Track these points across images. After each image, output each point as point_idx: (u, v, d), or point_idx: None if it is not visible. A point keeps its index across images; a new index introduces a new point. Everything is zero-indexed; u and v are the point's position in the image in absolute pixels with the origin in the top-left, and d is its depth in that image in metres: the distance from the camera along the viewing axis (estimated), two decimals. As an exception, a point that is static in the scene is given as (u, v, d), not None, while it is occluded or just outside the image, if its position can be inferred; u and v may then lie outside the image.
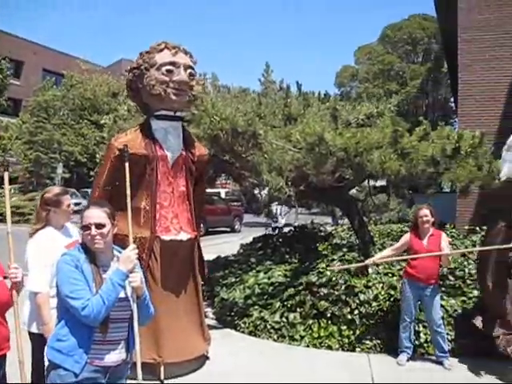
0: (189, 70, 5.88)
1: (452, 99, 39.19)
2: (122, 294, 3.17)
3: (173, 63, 5.75)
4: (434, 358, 6.42)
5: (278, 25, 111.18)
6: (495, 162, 6.98)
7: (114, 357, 3.20)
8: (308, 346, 6.85)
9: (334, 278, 7.25)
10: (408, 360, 6.35)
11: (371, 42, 55.77)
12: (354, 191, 10.26)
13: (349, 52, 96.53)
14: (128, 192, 3.72)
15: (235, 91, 9.46)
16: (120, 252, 3.33)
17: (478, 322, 6.28)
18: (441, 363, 6.26)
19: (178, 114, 6.03)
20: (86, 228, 3.19)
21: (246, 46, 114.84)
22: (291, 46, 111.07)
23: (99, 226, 3.19)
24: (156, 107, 5.91)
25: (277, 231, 11.58)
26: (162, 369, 5.56)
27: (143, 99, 6.05)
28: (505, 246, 5.92)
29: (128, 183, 3.75)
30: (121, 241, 3.57)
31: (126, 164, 3.85)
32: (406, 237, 6.63)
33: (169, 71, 5.72)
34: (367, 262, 6.69)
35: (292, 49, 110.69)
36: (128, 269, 3.18)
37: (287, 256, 8.87)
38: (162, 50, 5.82)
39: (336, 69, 60.21)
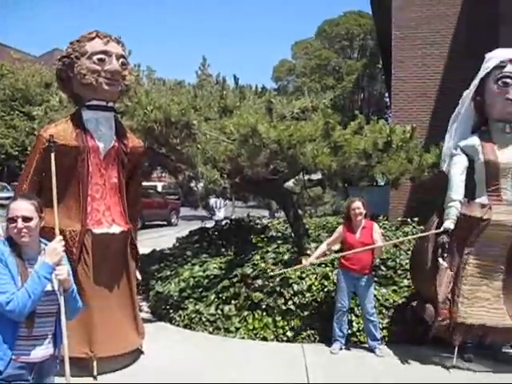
0: (121, 60, 5.74)
1: (386, 94, 40.07)
2: (48, 288, 3.10)
3: (104, 52, 5.61)
4: (366, 345, 6.58)
5: (218, 19, 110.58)
6: (425, 156, 7.20)
7: (41, 352, 3.12)
8: (243, 338, 6.88)
9: (268, 270, 7.30)
10: (341, 349, 6.49)
11: (309, 37, 56.45)
12: (291, 184, 10.35)
13: (286, 47, 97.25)
14: (54, 183, 3.63)
15: (171, 84, 9.39)
16: (47, 245, 3.25)
17: (415, 308, 6.50)
18: (373, 351, 6.41)
19: (111, 104, 5.90)
20: (12, 221, 3.10)
21: (184, 40, 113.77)
22: (230, 40, 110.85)
23: (26, 219, 3.10)
24: (87, 97, 5.75)
25: (214, 224, 11.54)
26: (94, 364, 5.44)
27: (74, 89, 5.88)
28: (429, 232, 6.12)
29: (54, 175, 3.65)
30: (48, 233, 3.47)
31: (52, 155, 3.75)
32: (339, 230, 6.73)
33: (100, 60, 5.58)
34: (305, 263, 6.77)
35: (230, 43, 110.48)
36: (54, 262, 3.11)
37: (223, 249, 8.89)
38: (92, 39, 5.66)
39: (274, 63, 60.65)
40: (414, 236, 6.32)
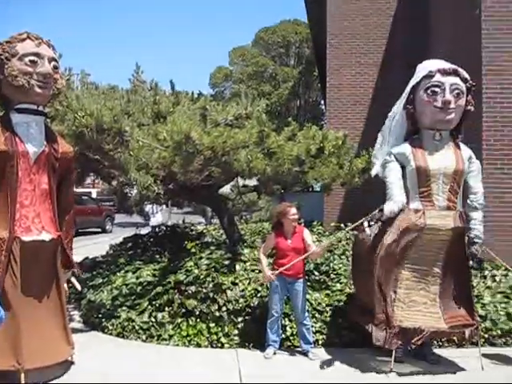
0: (53, 63, 5.61)
1: (322, 102, 40.73)
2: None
3: (36, 54, 5.46)
4: (299, 349, 6.65)
5: (154, 26, 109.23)
6: (355, 161, 7.35)
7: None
8: (177, 345, 6.83)
9: (201, 276, 7.30)
10: (275, 353, 6.52)
11: (246, 43, 56.77)
12: (228, 190, 10.36)
13: (223, 53, 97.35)
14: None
15: (104, 88, 9.23)
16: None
17: (351, 312, 6.65)
18: (306, 354, 6.49)
19: (41, 108, 5.77)
20: None
21: (120, 46, 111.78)
22: (165, 47, 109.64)
23: None
24: (17, 100, 5.60)
25: (150, 230, 11.42)
26: (22, 376, 5.28)
27: (2, 91, 5.72)
28: (353, 225, 6.23)
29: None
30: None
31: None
32: (271, 237, 6.73)
33: (32, 62, 5.43)
34: (265, 279, 6.63)
35: (167, 50, 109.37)
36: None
37: (157, 255, 8.80)
38: (24, 40, 5.49)
39: (211, 70, 60.64)
40: (353, 225, 6.28)
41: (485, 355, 6.36)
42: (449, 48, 11.24)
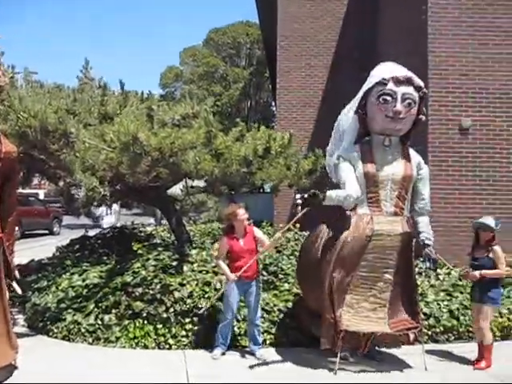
0: (-6, 61, 5.52)
1: (273, 103, 40.92)
2: None
3: (-23, 52, 5.37)
4: (247, 349, 6.67)
5: (105, 25, 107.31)
6: (302, 163, 7.43)
7: None
8: (124, 347, 6.76)
9: (148, 278, 7.26)
10: (223, 354, 6.52)
11: (197, 43, 56.58)
12: (178, 191, 10.31)
13: (174, 53, 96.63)
14: None
15: (49, 87, 9.06)
16: None
17: (299, 316, 6.74)
18: (253, 354, 6.50)
19: (-18, 107, 5.64)
20: None
21: (69, 44, 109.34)
22: (116, 46, 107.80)
23: None
24: (-43, 98, 5.48)
25: (96, 232, 11.25)
26: (-39, 382, 5.18)
27: None
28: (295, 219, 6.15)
29: None
30: None
31: None
32: (224, 241, 6.63)
33: (-26, 60, 5.33)
34: (230, 281, 6.47)
35: (117, 49, 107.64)
36: None
37: (105, 257, 8.70)
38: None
39: (161, 69, 60.13)
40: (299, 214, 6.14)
41: (428, 351, 6.56)
42: (397, 51, 11.47)
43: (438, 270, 8.14)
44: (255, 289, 6.56)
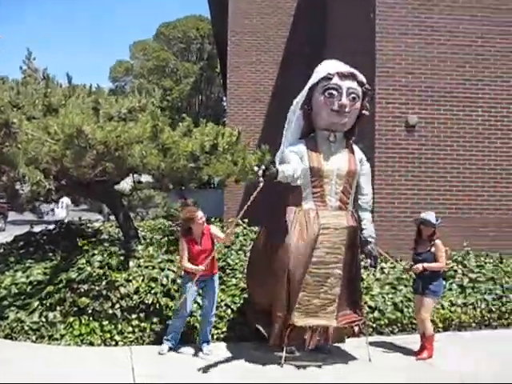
0: None
1: (224, 98, 40.86)
2: None
3: None
4: (194, 344, 6.67)
5: (54, 18, 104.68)
6: (248, 158, 7.44)
7: None
8: (69, 345, 6.66)
9: (94, 274, 7.15)
10: (170, 349, 6.49)
11: (148, 37, 56.01)
12: (128, 186, 10.16)
13: (124, 47, 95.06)
14: None
15: (-8, 79, 8.79)
16: None
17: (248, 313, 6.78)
18: (201, 349, 6.49)
19: None
20: None
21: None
22: (64, 38, 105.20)
23: None
24: None
25: (41, 229, 10.97)
26: None
27: None
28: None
29: None
30: None
31: None
32: (183, 244, 6.53)
33: None
34: (198, 274, 6.33)
35: (65, 41, 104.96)
36: None
37: (50, 254, 8.49)
38: None
39: (111, 63, 59.32)
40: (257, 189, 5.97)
41: (373, 343, 6.71)
42: (345, 48, 11.63)
43: (383, 264, 8.32)
44: (212, 285, 6.56)
